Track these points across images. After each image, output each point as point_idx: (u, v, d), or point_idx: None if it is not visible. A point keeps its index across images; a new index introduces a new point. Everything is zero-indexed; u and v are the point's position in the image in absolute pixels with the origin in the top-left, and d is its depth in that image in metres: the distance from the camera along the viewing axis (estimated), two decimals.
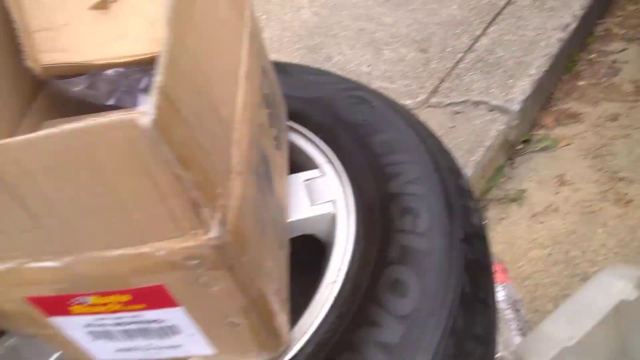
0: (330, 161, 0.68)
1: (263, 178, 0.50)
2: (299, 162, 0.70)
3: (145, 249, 0.36)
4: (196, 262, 0.38)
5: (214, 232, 0.36)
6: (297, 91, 0.76)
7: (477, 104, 1.13)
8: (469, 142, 1.05)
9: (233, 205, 0.40)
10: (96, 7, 0.48)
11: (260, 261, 0.45)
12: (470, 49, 1.28)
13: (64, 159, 0.30)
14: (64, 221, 0.32)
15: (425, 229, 0.57)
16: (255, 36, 0.58)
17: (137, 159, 0.30)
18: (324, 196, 0.64)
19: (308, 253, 0.65)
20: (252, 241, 0.43)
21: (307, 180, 0.66)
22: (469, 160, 1.02)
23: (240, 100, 0.47)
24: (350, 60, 1.31)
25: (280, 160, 0.62)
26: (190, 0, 0.41)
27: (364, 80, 1.21)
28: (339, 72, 1.25)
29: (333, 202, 0.63)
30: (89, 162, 0.30)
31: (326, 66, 1.29)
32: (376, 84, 1.19)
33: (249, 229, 0.43)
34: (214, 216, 0.36)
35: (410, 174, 0.62)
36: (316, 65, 1.29)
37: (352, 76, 1.24)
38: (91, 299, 0.38)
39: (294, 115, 0.71)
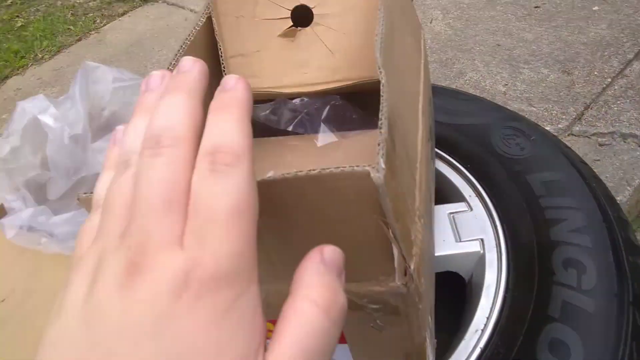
0: (479, 195, 0.65)
1: (429, 217, 0.49)
2: (442, 192, 0.68)
3: None
4: (378, 306, 0.37)
5: (401, 279, 0.36)
6: (445, 116, 0.74)
7: (625, 136, 1.04)
8: (615, 179, 0.96)
9: (417, 252, 0.39)
10: (284, 35, 0.50)
11: (430, 306, 0.44)
12: (620, 74, 1.18)
13: (290, 201, 0.31)
14: (272, 252, 0.33)
15: (591, 286, 0.53)
16: (427, 65, 0.57)
17: (357, 207, 0.31)
18: (471, 233, 0.61)
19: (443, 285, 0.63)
20: (426, 286, 0.42)
21: (452, 213, 0.64)
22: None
23: (419, 138, 0.46)
24: (485, 77, 1.26)
25: (433, 193, 0.61)
26: (391, 33, 0.41)
27: (499, 100, 1.16)
28: (472, 90, 1.20)
29: (481, 240, 0.61)
30: (312, 204, 0.31)
31: (459, 82, 1.25)
32: (513, 106, 1.13)
33: (426, 275, 0.42)
34: (406, 264, 0.36)
35: (575, 221, 0.58)
36: (447, 81, 1.25)
37: (487, 95, 1.19)
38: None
39: (440, 142, 0.69)
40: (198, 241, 0.19)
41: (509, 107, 1.13)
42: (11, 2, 2.34)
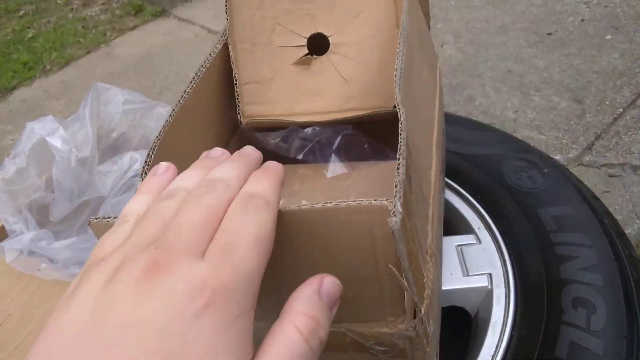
0: (488, 228, 0.64)
1: (440, 255, 0.48)
2: (451, 223, 0.67)
3: (338, 327, 0.35)
4: (385, 348, 0.36)
5: (410, 322, 0.35)
6: (456, 145, 0.73)
7: (636, 168, 1.03)
8: (625, 212, 0.95)
9: (428, 293, 0.38)
10: (299, 62, 0.49)
11: (436, 346, 0.43)
12: (632, 104, 1.17)
13: (303, 232, 0.30)
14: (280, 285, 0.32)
15: (600, 327, 0.51)
16: (442, 96, 0.56)
17: (370, 243, 0.30)
18: (479, 267, 0.60)
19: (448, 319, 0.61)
20: (434, 327, 0.41)
21: (460, 245, 0.63)
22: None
23: (433, 172, 0.45)
24: (495, 103, 1.25)
25: (442, 224, 0.60)
26: (410, 66, 0.40)
27: (509, 127, 1.15)
28: (481, 116, 1.20)
29: (489, 275, 0.59)
30: (324, 237, 0.30)
31: (468, 108, 1.24)
32: (523, 133, 1.12)
33: (434, 316, 0.41)
34: (417, 306, 0.34)
35: (586, 259, 0.56)
36: (457, 106, 1.25)
37: (496, 121, 1.18)
38: None
39: (449, 172, 0.68)
40: (221, 254, 0.22)
41: (518, 135, 1.12)
42: (23, 13, 2.36)
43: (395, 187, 0.29)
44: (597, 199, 0.68)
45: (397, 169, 0.30)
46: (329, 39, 0.51)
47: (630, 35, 1.39)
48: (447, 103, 1.24)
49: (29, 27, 2.24)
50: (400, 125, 0.33)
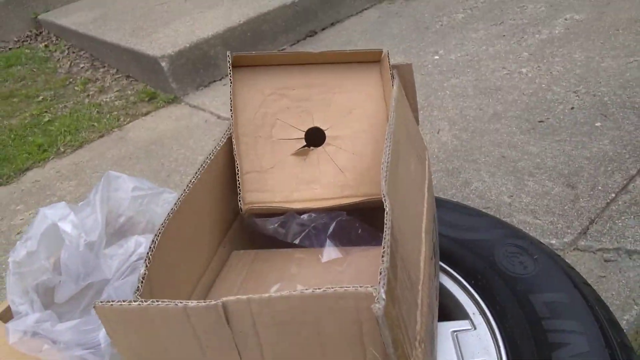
0: (483, 313, 0.65)
1: (432, 340, 0.49)
2: (446, 308, 0.68)
3: None
4: None
5: None
6: (450, 230, 0.76)
7: (630, 253, 1.04)
8: (622, 297, 0.95)
9: None
10: (298, 153, 0.53)
11: None
12: (624, 189, 1.21)
13: (293, 318, 0.31)
14: None
15: None
16: (431, 185, 0.59)
17: (357, 329, 0.31)
18: (474, 354, 0.60)
19: None
20: None
21: (456, 331, 0.63)
22: (621, 319, 0.92)
23: (422, 258, 0.47)
24: (490, 188, 1.29)
25: (436, 309, 0.61)
26: (396, 160, 0.44)
27: (504, 211, 1.18)
28: (477, 200, 1.23)
29: None
30: (313, 322, 0.32)
31: (464, 192, 1.28)
32: (518, 218, 1.14)
33: None
34: None
35: (578, 346, 0.57)
36: (454, 190, 1.28)
37: (492, 205, 1.21)
38: None
39: (444, 256, 0.70)
40: None
41: (514, 219, 1.14)
42: (42, 98, 2.49)
43: (380, 274, 0.31)
44: (589, 285, 0.69)
45: (382, 257, 0.32)
46: (325, 132, 0.55)
47: (619, 122, 1.45)
48: (444, 187, 1.28)
49: (46, 112, 2.36)
50: (385, 216, 0.35)
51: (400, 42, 2.31)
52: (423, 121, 1.63)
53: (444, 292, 0.67)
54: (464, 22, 2.34)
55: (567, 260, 0.87)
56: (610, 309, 0.89)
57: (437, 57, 2.10)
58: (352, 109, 0.56)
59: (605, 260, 1.01)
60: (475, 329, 0.62)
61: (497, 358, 0.59)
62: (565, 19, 2.13)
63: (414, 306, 0.41)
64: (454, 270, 0.71)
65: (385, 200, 0.37)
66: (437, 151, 1.48)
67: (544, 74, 1.78)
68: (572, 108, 1.57)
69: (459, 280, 0.70)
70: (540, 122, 1.54)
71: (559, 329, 0.60)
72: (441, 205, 0.82)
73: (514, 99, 1.68)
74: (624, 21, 2.00)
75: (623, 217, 1.13)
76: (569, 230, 1.10)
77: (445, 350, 0.60)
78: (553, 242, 1.07)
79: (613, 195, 1.19)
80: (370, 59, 0.58)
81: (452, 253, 0.73)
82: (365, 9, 2.76)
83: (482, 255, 0.72)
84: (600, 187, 1.22)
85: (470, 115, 1.64)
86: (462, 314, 0.64)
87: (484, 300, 0.66)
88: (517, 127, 1.53)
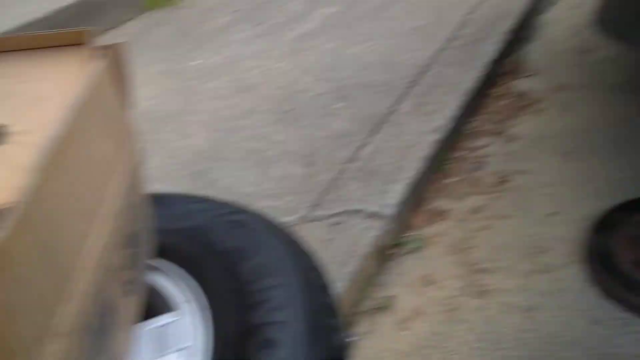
0: (196, 298, 0.66)
1: (97, 334, 0.48)
2: (153, 306, 0.67)
3: None
4: None
5: None
6: (172, 223, 0.77)
7: (355, 212, 1.20)
8: (345, 253, 1.09)
9: None
10: None
11: None
12: (353, 158, 1.38)
13: None
14: None
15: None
16: (131, 172, 0.58)
17: None
18: (178, 342, 0.62)
19: None
20: None
21: (162, 326, 0.64)
22: (343, 272, 1.03)
23: (90, 245, 0.47)
24: (238, 181, 1.36)
25: (130, 307, 0.59)
26: (62, 146, 0.43)
27: (248, 200, 1.25)
28: (224, 195, 1.29)
29: (187, 348, 0.60)
30: None
31: (210, 190, 1.31)
32: (261, 204, 1.22)
33: None
34: None
35: (276, 299, 0.62)
36: (199, 191, 1.32)
37: (237, 197, 1.28)
38: None
39: (163, 251, 0.71)
40: None
41: (257, 205, 1.22)
42: None
43: None
44: (296, 242, 0.77)
45: None
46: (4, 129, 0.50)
47: (355, 101, 1.64)
48: (191, 190, 1.30)
49: None
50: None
51: (163, 50, 2.28)
52: (174, 128, 1.65)
53: (152, 291, 0.68)
54: (228, 25, 2.41)
55: (301, 232, 0.96)
56: (334, 267, 1.00)
57: (199, 61, 2.13)
58: (43, 99, 0.52)
59: (333, 224, 1.15)
60: (181, 317, 0.64)
61: (204, 337, 0.61)
62: (321, 13, 2.33)
63: (51, 297, 0.41)
64: (172, 262, 0.73)
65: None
66: (186, 156, 1.51)
67: (297, 66, 1.93)
68: (317, 95, 1.73)
69: (176, 271, 0.71)
70: (287, 111, 1.66)
71: (261, 288, 0.65)
72: (168, 201, 0.83)
73: (268, 94, 1.78)
74: (369, 11, 2.26)
75: (350, 183, 1.29)
76: (302, 205, 1.22)
77: (146, 350, 0.60)
78: (289, 219, 1.18)
79: (344, 165, 1.36)
80: (72, 41, 0.55)
81: (170, 245, 0.75)
82: (129, 20, 2.65)
83: (197, 239, 0.74)
84: (335, 162, 1.38)
85: (224, 115, 1.70)
86: (171, 306, 0.65)
87: (199, 284, 0.69)
88: (266, 120, 1.63)
